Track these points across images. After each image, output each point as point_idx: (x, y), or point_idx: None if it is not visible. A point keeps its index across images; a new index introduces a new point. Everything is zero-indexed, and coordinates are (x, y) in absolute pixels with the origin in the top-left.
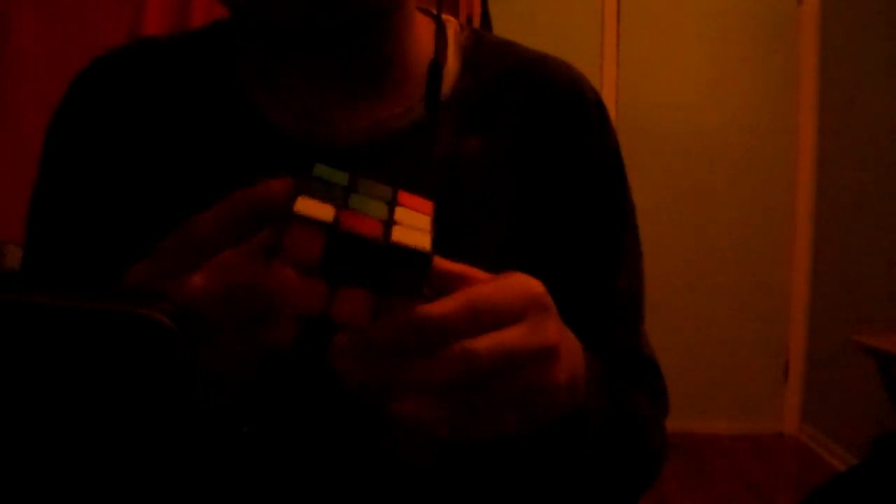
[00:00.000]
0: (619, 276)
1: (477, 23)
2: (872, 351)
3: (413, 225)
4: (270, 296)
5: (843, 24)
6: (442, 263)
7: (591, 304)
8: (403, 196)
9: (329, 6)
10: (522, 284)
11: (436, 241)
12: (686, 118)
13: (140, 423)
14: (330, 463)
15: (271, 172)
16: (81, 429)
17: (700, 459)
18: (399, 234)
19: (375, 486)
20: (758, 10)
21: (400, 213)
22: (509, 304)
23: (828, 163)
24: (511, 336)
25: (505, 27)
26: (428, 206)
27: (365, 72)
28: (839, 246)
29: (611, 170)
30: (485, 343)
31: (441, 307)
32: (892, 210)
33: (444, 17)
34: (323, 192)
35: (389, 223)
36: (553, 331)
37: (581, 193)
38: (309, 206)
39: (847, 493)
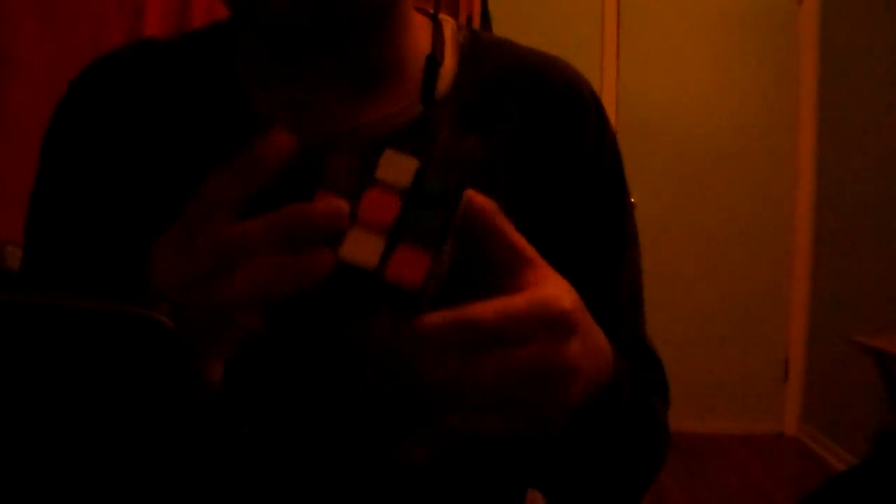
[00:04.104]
0: (620, 273)
1: (477, 23)
2: (872, 351)
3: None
4: (313, 219)
5: (843, 24)
6: (513, 236)
7: (593, 300)
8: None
9: (327, 2)
10: (548, 301)
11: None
12: (686, 118)
13: (141, 422)
14: (330, 463)
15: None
16: (82, 428)
17: (700, 459)
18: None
19: (375, 486)
20: (758, 10)
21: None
22: (520, 324)
23: (828, 163)
24: (517, 356)
25: (505, 27)
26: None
27: (363, 70)
28: (839, 246)
29: (609, 167)
30: (487, 363)
31: (434, 319)
32: (892, 210)
33: (442, 16)
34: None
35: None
36: (573, 354)
37: (579, 191)
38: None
39: (847, 493)
